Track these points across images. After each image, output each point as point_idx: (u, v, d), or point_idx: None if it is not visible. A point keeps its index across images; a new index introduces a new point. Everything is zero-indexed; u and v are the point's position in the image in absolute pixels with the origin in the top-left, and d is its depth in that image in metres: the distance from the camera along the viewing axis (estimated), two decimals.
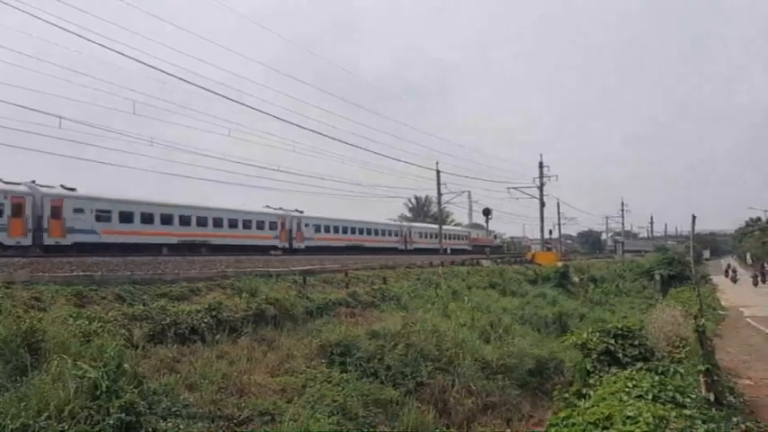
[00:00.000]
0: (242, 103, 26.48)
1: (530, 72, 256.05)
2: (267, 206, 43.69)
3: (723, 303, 30.79)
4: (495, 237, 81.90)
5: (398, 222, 62.94)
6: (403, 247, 56.46)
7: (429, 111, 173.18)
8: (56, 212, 29.27)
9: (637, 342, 12.28)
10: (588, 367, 12.05)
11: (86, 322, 10.26)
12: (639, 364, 11.18)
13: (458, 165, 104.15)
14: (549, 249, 59.15)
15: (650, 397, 8.84)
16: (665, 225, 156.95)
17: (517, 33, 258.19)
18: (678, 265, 46.35)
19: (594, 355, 12.12)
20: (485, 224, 76.75)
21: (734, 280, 47.49)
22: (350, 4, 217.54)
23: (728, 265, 56.15)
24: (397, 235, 57.48)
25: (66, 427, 6.93)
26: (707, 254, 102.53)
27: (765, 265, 49.10)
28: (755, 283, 43.38)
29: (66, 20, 19.38)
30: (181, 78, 22.09)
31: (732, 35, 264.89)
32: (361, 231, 52.09)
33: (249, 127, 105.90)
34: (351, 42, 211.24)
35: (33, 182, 29.27)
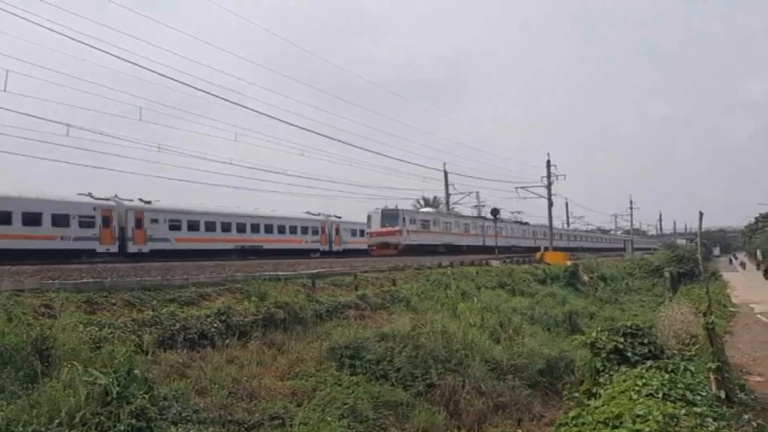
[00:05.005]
0: (244, 107, 26.62)
1: (536, 69, 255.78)
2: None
3: (734, 300, 30.65)
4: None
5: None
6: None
7: (433, 112, 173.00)
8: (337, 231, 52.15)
9: (646, 340, 12.24)
10: (598, 366, 12.03)
11: (96, 329, 10.30)
12: (649, 363, 11.14)
13: (466, 165, 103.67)
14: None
15: (660, 395, 8.82)
16: (674, 222, 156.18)
17: (523, 31, 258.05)
18: (688, 262, 46.04)
19: (604, 354, 12.10)
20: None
21: (743, 265, 60.43)
22: (350, 4, 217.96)
23: (734, 255, 64.83)
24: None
25: None
26: (717, 250, 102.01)
27: None
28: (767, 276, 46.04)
29: (57, 22, 19.43)
30: (182, 83, 22.08)
31: (744, 22, 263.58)
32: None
33: (249, 129, 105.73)
34: (351, 44, 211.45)
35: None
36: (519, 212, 73.07)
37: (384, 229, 45.85)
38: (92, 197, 34.13)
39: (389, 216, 46.39)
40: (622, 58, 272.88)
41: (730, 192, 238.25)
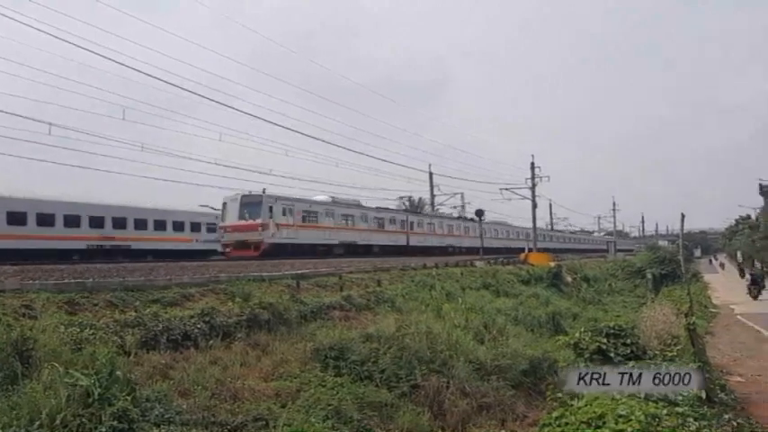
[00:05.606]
0: (230, 107, 26.51)
1: (525, 70, 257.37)
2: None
3: (714, 301, 31.03)
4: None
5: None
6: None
7: (419, 113, 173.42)
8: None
9: (629, 341, 12.37)
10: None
11: (78, 330, 10.18)
12: (631, 363, 11.23)
13: (453, 167, 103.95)
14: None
15: (642, 395, 8.89)
16: (656, 224, 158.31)
17: (523, 31, 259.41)
18: (670, 263, 46.54)
19: (587, 355, 12.22)
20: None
21: (722, 266, 64.63)
22: (350, 4, 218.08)
23: (714, 256, 70.30)
24: None
25: None
26: (698, 252, 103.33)
27: (756, 263, 50.13)
28: (742, 275, 47.68)
29: (44, 22, 19.28)
30: (168, 83, 21.95)
31: (744, 22, 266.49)
32: None
33: (234, 129, 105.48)
34: (351, 44, 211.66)
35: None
36: (461, 207, 69.67)
37: (243, 223, 34.21)
38: (212, 209, 43.23)
39: (250, 204, 34.63)
40: (622, 58, 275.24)
41: (730, 192, 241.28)
